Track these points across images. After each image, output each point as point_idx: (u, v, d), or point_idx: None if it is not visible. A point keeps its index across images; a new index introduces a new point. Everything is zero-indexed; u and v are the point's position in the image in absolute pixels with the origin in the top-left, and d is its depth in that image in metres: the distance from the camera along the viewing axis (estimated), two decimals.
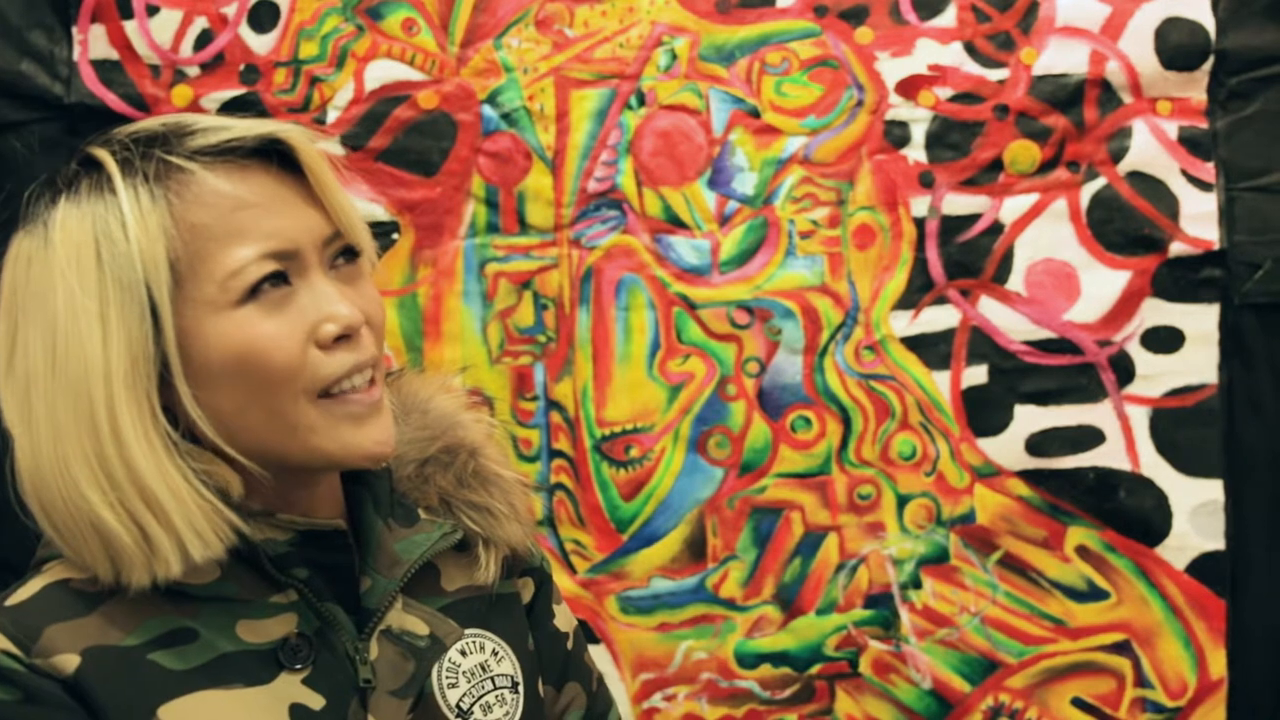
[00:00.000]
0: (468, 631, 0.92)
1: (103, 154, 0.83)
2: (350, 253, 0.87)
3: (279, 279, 0.82)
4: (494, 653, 0.93)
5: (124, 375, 0.79)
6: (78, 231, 0.80)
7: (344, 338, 0.83)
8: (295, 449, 0.83)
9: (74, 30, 1.80)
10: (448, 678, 0.89)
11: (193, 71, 1.81)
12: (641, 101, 1.80)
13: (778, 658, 1.79)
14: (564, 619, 1.04)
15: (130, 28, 1.80)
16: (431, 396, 1.00)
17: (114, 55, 1.80)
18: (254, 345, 0.80)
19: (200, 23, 1.81)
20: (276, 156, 0.85)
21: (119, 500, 0.79)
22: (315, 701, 0.84)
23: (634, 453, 1.80)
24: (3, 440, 0.83)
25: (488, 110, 1.80)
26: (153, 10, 1.80)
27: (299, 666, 0.84)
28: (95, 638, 0.80)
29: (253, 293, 0.81)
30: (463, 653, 0.91)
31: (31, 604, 0.82)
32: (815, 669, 1.79)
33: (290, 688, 0.84)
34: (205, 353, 0.80)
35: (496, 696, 0.91)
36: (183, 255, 0.80)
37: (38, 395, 0.80)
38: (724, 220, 1.80)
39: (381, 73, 1.80)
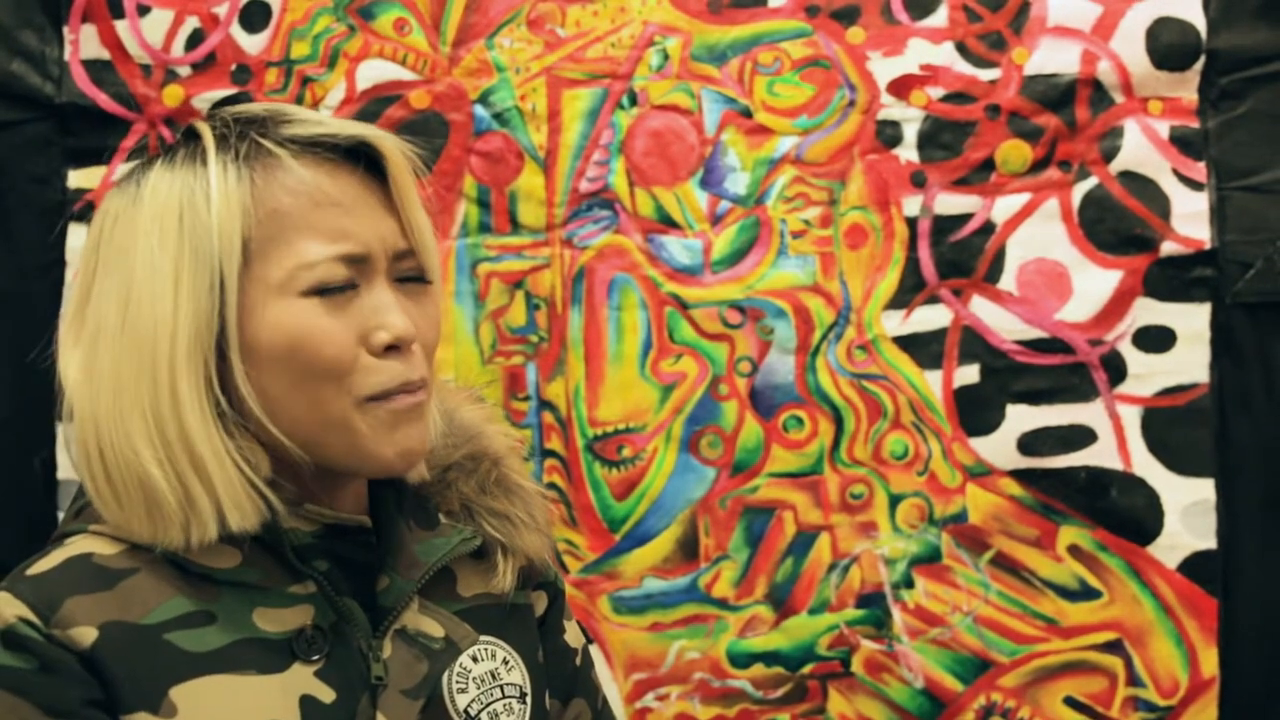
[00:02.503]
0: (481, 638, 0.93)
1: (203, 128, 0.86)
2: (421, 278, 0.88)
3: (348, 285, 0.84)
4: (505, 661, 0.93)
5: (188, 341, 0.81)
6: (166, 195, 0.83)
7: (394, 349, 0.85)
8: (333, 445, 0.85)
9: (65, 30, 1.80)
10: (458, 683, 0.90)
11: (184, 71, 1.80)
12: (633, 101, 1.80)
13: (770, 657, 1.79)
14: (574, 635, 1.04)
15: (121, 27, 1.80)
16: (458, 406, 1.02)
17: (105, 55, 1.80)
18: (309, 335, 0.82)
19: (191, 22, 1.80)
20: (365, 160, 0.87)
21: (168, 458, 0.81)
22: (326, 695, 0.84)
23: (626, 452, 1.80)
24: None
25: (479, 110, 1.80)
26: (144, 10, 1.80)
27: (314, 658, 0.85)
28: (114, 613, 0.81)
29: (320, 291, 0.83)
30: (474, 659, 0.91)
31: (53, 575, 0.83)
32: (808, 668, 1.79)
33: (302, 679, 0.84)
34: (260, 334, 0.82)
35: (505, 705, 0.91)
36: (256, 236, 0.82)
37: (105, 345, 0.83)
38: (716, 220, 1.80)
39: (373, 72, 1.80)
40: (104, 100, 1.80)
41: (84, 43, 1.80)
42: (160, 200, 0.83)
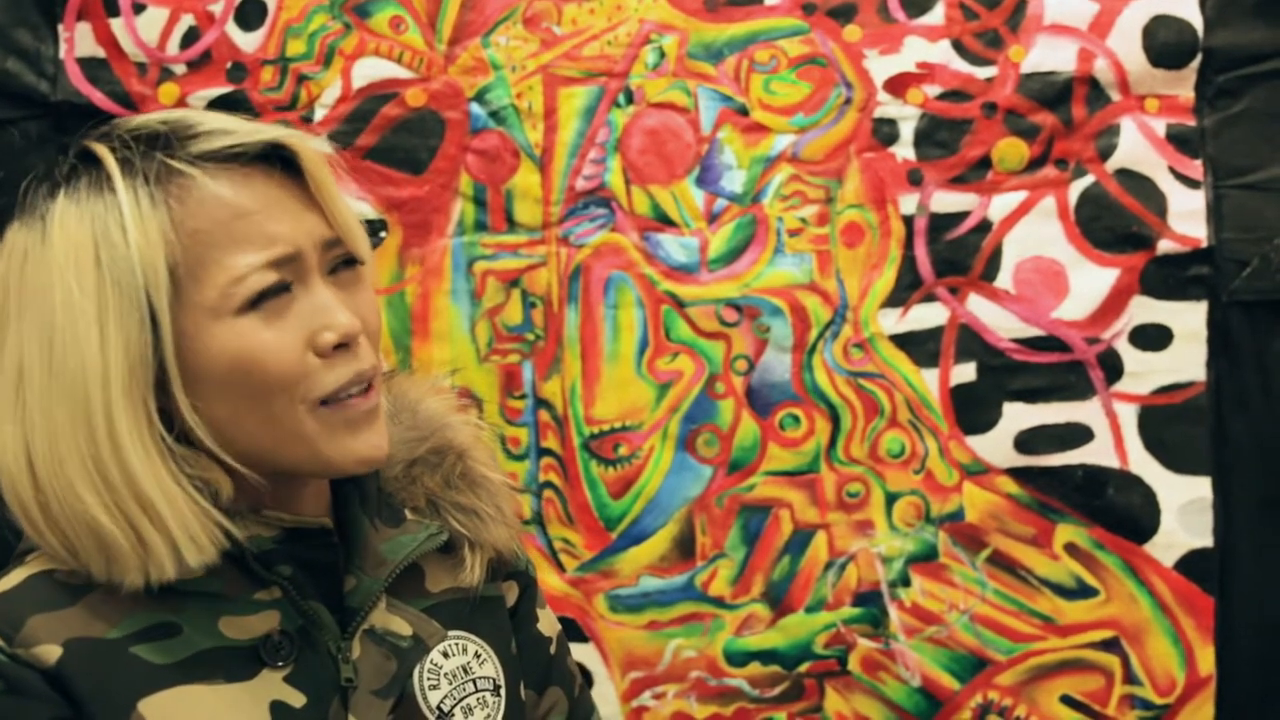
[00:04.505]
0: (451, 633, 0.92)
1: (102, 150, 0.82)
2: (350, 261, 0.86)
3: (282, 288, 0.82)
4: (476, 655, 0.93)
5: (121, 380, 0.78)
6: (76, 230, 0.79)
7: (342, 346, 0.83)
8: (292, 455, 0.83)
9: (60, 28, 1.80)
10: (429, 679, 0.89)
11: (179, 69, 1.80)
12: (630, 99, 1.80)
13: (767, 656, 1.79)
14: (547, 623, 1.04)
15: (117, 25, 1.80)
16: (421, 398, 1.00)
17: (100, 53, 1.80)
18: (253, 354, 0.80)
19: (187, 20, 1.80)
20: (279, 161, 0.85)
21: (114, 503, 0.79)
22: (296, 700, 0.83)
23: (623, 451, 1.79)
24: None
25: (476, 108, 1.80)
26: (139, 8, 1.80)
27: (281, 664, 0.84)
28: (78, 629, 0.80)
29: (255, 302, 0.81)
30: (445, 654, 0.91)
31: (14, 594, 0.82)
32: (804, 667, 1.79)
33: (271, 685, 0.83)
34: (203, 360, 0.80)
35: (478, 699, 0.91)
36: (182, 261, 0.80)
37: (32, 393, 0.80)
38: (712, 218, 1.80)
39: (369, 70, 1.80)
40: (99, 98, 1.79)
41: (79, 41, 1.80)
42: (71, 236, 0.79)
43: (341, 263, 0.86)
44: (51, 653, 0.79)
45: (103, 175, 0.81)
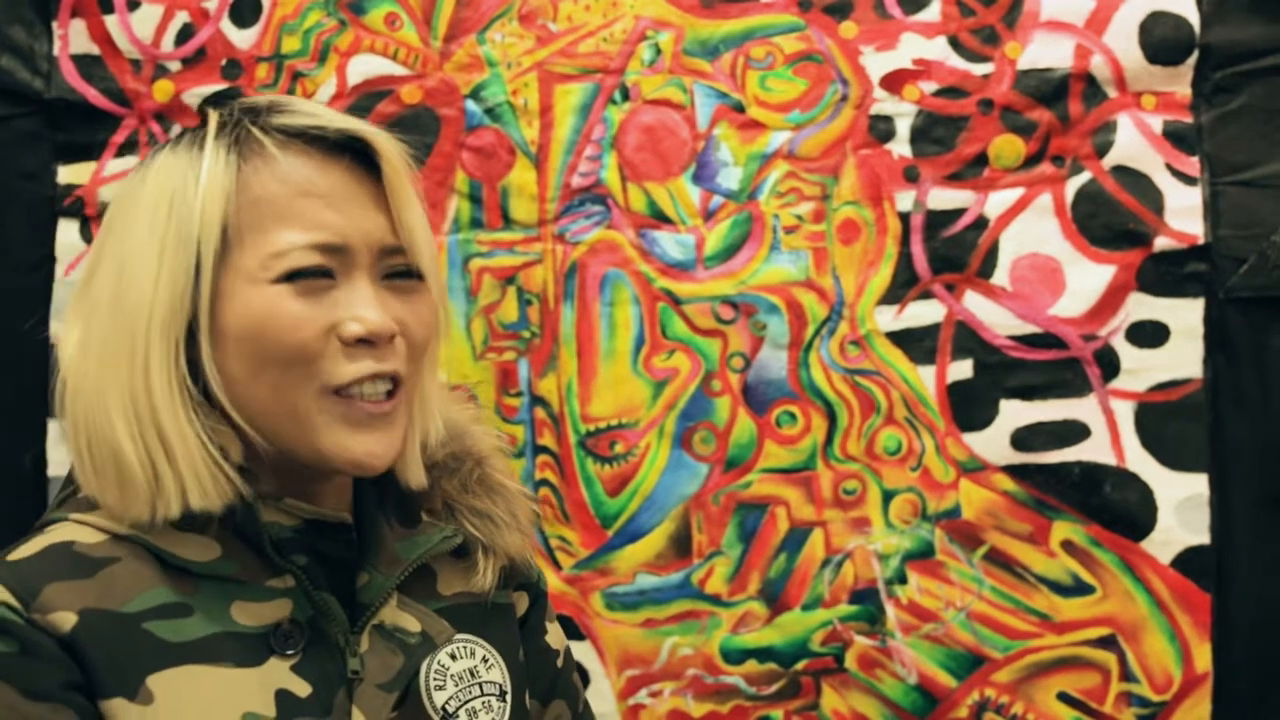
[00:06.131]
0: (459, 636, 0.93)
1: (212, 113, 0.88)
2: (411, 273, 0.88)
3: (321, 273, 0.84)
4: (484, 659, 0.93)
5: (162, 320, 0.83)
6: (166, 178, 0.85)
7: (368, 343, 0.84)
8: (292, 435, 0.85)
9: (54, 25, 1.80)
10: (435, 679, 0.89)
11: (174, 66, 1.80)
12: (625, 96, 1.79)
13: (763, 653, 1.79)
14: (555, 637, 1.04)
15: (111, 22, 1.80)
16: (445, 407, 1.01)
17: (95, 50, 1.79)
18: (273, 320, 0.83)
19: (181, 17, 1.80)
20: (360, 155, 0.87)
21: (140, 434, 0.83)
22: (302, 689, 0.84)
23: (619, 448, 1.79)
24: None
25: (471, 105, 1.79)
26: (134, 4, 1.80)
27: (289, 652, 0.85)
28: (94, 600, 0.82)
29: (291, 277, 0.83)
30: (453, 656, 0.91)
31: (34, 561, 0.83)
32: (801, 664, 1.79)
33: (278, 673, 0.84)
34: (229, 317, 0.83)
35: (483, 703, 0.91)
36: (235, 223, 0.84)
37: (98, 321, 0.85)
38: (708, 215, 1.79)
39: (364, 67, 1.80)
40: (93, 95, 1.79)
41: (73, 38, 1.79)
42: (161, 183, 0.85)
43: (400, 272, 0.87)
44: (67, 620, 0.80)
45: (202, 134, 0.86)
